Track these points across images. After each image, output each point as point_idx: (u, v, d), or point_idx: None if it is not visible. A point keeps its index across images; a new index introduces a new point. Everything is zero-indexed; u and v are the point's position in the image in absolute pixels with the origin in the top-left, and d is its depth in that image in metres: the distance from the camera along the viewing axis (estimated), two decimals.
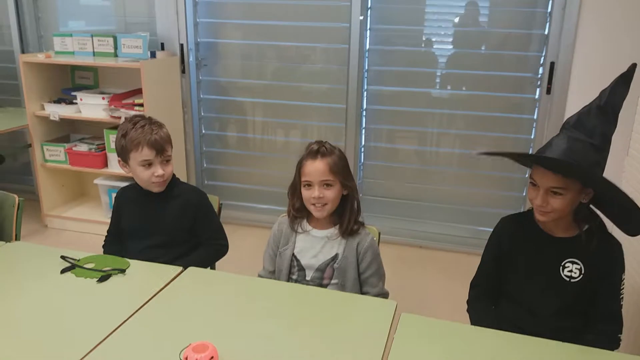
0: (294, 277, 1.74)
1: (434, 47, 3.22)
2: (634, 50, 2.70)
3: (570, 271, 1.57)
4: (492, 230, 1.73)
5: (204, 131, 3.73)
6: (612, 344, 1.57)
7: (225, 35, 3.52)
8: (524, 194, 3.28)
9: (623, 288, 1.59)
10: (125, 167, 1.89)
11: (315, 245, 1.74)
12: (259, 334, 1.36)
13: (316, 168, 1.66)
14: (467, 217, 3.40)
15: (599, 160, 1.49)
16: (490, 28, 3.13)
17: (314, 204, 1.68)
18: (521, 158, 1.70)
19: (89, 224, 3.40)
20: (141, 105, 3.16)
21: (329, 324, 1.41)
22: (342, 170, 1.69)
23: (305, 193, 1.68)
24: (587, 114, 1.48)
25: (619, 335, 1.59)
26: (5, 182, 4.04)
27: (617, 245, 1.59)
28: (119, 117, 3.16)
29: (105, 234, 2.03)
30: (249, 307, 1.48)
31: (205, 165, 3.81)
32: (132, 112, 3.15)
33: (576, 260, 1.57)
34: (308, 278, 1.73)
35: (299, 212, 1.75)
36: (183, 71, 3.49)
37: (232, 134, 3.74)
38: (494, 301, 1.74)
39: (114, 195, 2.06)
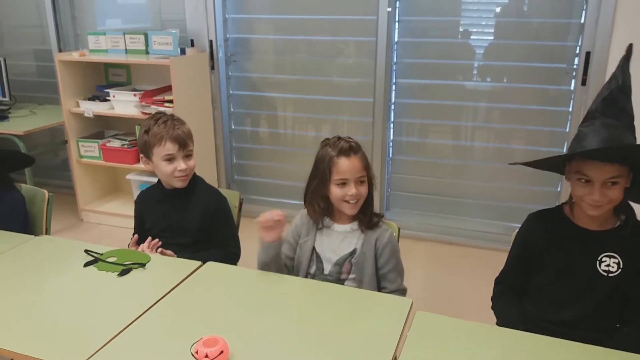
0: (312, 270, 1.74)
1: (465, 38, 3.14)
2: None
3: (608, 265, 1.51)
4: None
5: (233, 127, 3.77)
6: None
7: (253, 30, 3.54)
8: (559, 189, 3.18)
9: None
10: (148, 163, 1.92)
11: (335, 239, 1.73)
12: (272, 329, 1.36)
13: (353, 166, 1.64)
14: (499, 213, 3.32)
15: (635, 139, 1.45)
16: (524, 18, 3.02)
17: (347, 201, 1.66)
18: (565, 159, 1.54)
19: (121, 218, 3.48)
20: (171, 101, 3.21)
21: (342, 320, 1.40)
22: (369, 165, 1.70)
23: (339, 191, 1.65)
24: (612, 98, 1.44)
25: None
26: (47, 177, 4.19)
27: None
28: (150, 114, 3.22)
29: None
30: (263, 302, 1.48)
31: (235, 160, 3.85)
32: (162, 109, 3.20)
33: (613, 254, 1.51)
34: (326, 272, 1.72)
35: (324, 211, 1.74)
36: (212, 67, 3.53)
37: (262, 130, 3.76)
38: (519, 299, 1.69)
39: None
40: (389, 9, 3.08)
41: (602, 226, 1.53)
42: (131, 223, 2.08)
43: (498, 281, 1.74)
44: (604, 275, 1.51)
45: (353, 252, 1.70)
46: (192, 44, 3.49)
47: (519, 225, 1.70)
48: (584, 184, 1.44)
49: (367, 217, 1.69)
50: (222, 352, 1.20)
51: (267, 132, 3.74)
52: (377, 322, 1.39)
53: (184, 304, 1.47)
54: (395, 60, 3.23)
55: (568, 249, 1.56)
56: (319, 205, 1.70)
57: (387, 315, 1.42)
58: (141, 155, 1.93)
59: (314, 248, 1.73)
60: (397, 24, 3.16)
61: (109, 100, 3.43)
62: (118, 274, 1.60)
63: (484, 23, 3.10)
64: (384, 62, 3.18)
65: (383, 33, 3.13)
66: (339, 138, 1.67)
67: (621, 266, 1.50)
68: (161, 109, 3.21)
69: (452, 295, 2.81)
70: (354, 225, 1.72)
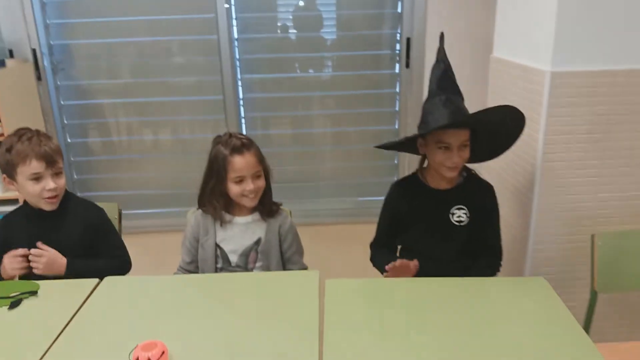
0: (219, 265, 1.77)
1: (296, 32, 3.34)
2: (477, 19, 3.04)
3: (459, 217, 1.81)
4: (374, 198, 1.92)
5: (69, 140, 3.49)
6: (494, 273, 1.87)
7: (80, 35, 3.30)
8: (396, 161, 3.56)
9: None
10: (11, 184, 1.75)
11: (237, 232, 1.78)
12: (199, 326, 1.38)
13: (247, 162, 1.70)
14: (349, 190, 3.60)
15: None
16: (348, 10, 3.32)
17: (246, 195, 1.70)
18: (429, 131, 1.74)
19: None
20: None
21: (261, 305, 1.47)
22: (263, 157, 1.77)
23: (237, 188, 1.70)
24: (446, 77, 1.73)
25: (500, 265, 1.89)
26: None
27: (491, 188, 1.87)
28: None
29: None
30: (179, 304, 1.49)
31: (75, 176, 3.57)
32: None
33: (462, 206, 1.81)
34: (233, 264, 1.76)
35: (223, 207, 1.77)
36: (39, 78, 3.22)
37: (101, 139, 3.54)
38: (394, 254, 1.94)
39: None
40: (227, 6, 3.14)
41: (449, 184, 1.84)
42: None
43: (373, 245, 1.97)
44: (457, 225, 1.82)
45: (258, 242, 1.78)
46: (12, 55, 3.15)
47: (369, 198, 1.95)
48: (444, 151, 1.71)
49: (266, 207, 1.77)
50: (163, 352, 1.20)
51: (108, 142, 3.53)
52: (295, 299, 1.49)
53: (97, 323, 1.41)
54: (237, 56, 3.30)
55: (426, 208, 1.85)
56: (218, 202, 1.74)
57: (301, 290, 1.53)
58: (4, 175, 1.75)
59: (216, 244, 1.76)
60: (235, 20, 3.23)
61: None
62: (8, 308, 1.46)
63: (309, 16, 3.31)
64: (229, 59, 3.24)
65: (224, 30, 3.18)
66: (230, 135, 1.73)
67: (469, 215, 1.82)
68: None
69: (332, 272, 3.01)
70: (255, 215, 1.79)
